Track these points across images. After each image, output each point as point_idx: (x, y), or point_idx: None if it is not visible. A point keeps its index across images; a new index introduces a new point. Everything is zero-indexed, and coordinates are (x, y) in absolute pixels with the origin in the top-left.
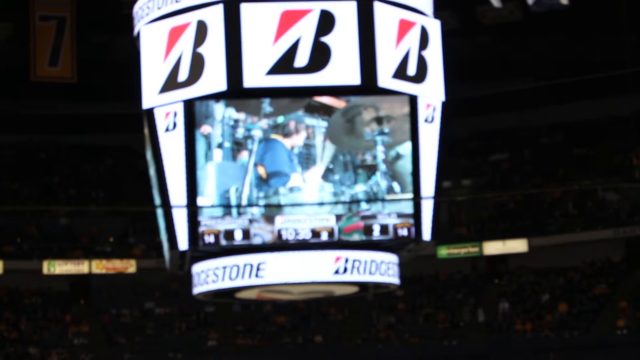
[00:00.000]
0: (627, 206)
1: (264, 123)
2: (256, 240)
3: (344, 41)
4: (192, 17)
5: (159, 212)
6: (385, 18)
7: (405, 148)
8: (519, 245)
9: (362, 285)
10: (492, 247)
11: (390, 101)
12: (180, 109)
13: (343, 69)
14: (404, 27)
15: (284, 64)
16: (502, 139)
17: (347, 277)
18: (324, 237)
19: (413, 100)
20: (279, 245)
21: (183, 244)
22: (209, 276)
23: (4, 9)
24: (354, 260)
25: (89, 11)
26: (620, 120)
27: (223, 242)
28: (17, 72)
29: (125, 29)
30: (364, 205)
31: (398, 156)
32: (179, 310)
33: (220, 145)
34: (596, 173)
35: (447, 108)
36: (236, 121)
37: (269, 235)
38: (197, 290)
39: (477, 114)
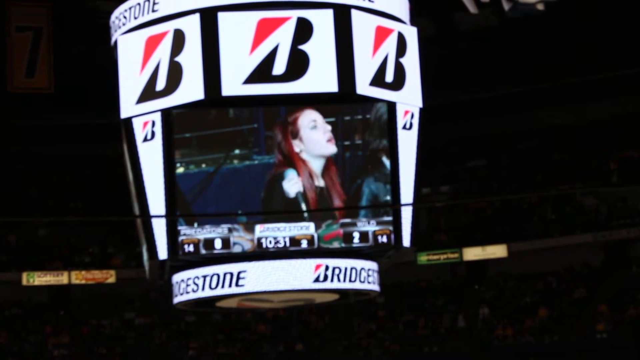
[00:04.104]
0: (605, 210)
1: None
2: (236, 249)
3: (321, 49)
4: (169, 26)
5: (138, 222)
6: (362, 25)
7: None
8: (498, 251)
9: (343, 293)
10: (472, 253)
11: None
12: (158, 118)
13: (321, 76)
14: (381, 34)
15: (262, 72)
16: (479, 145)
17: (327, 285)
18: (304, 245)
19: (391, 107)
20: (259, 253)
21: (162, 253)
22: (189, 285)
23: None
24: (334, 268)
25: (65, 21)
26: (598, 125)
27: (203, 251)
28: None
29: (103, 38)
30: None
31: None
32: (159, 320)
33: None
34: (574, 178)
35: (425, 115)
36: None
37: (249, 243)
38: (177, 299)
39: (455, 120)
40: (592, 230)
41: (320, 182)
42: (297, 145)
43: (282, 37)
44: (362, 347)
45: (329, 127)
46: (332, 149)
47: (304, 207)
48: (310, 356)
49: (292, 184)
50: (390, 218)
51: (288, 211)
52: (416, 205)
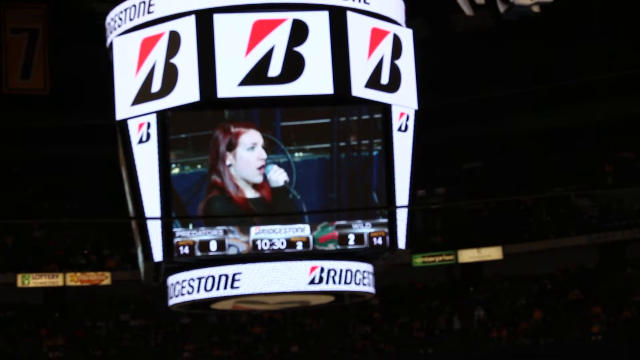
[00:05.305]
0: (600, 212)
1: None
2: (231, 251)
3: (317, 51)
4: (165, 28)
5: (134, 223)
6: (357, 27)
7: None
8: (493, 253)
9: (338, 295)
10: (467, 255)
11: None
12: (153, 120)
13: (316, 78)
14: (377, 36)
15: (257, 74)
16: (475, 147)
17: (322, 287)
18: (299, 247)
19: (386, 109)
20: (254, 255)
21: (158, 255)
22: (184, 287)
23: None
24: (329, 270)
25: (61, 23)
26: (593, 127)
27: (198, 253)
28: None
29: (98, 40)
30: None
31: None
32: (154, 322)
33: None
34: (569, 180)
35: (421, 117)
36: None
37: (244, 245)
38: (172, 301)
39: (450, 122)
40: (587, 232)
41: (251, 195)
42: (228, 158)
43: (278, 39)
44: (357, 349)
45: (264, 156)
46: (258, 177)
47: (294, 192)
48: (306, 358)
49: (279, 174)
50: (385, 220)
51: (288, 213)
52: (411, 207)
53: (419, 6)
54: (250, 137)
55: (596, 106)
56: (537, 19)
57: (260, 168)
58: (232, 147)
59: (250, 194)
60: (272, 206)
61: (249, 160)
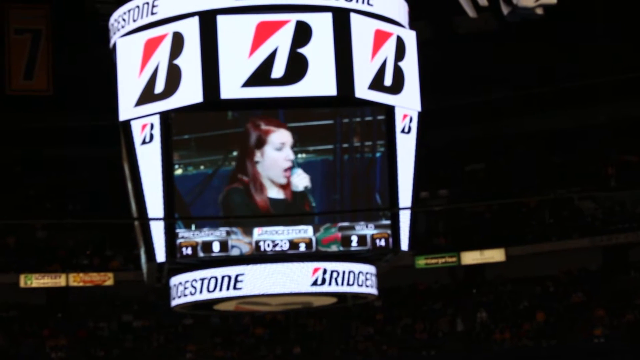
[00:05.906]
0: (603, 215)
1: None
2: (234, 252)
3: (320, 52)
4: (168, 29)
5: (137, 224)
6: (361, 29)
7: None
8: (496, 255)
9: (341, 296)
10: (470, 257)
11: None
12: (156, 121)
13: (320, 80)
14: (380, 37)
15: (261, 76)
16: (477, 149)
17: (325, 288)
18: (302, 248)
19: (390, 110)
20: (257, 256)
21: (160, 256)
22: (187, 288)
23: None
24: (332, 271)
25: (64, 24)
26: (595, 129)
27: (201, 254)
28: None
29: (102, 41)
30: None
31: None
32: (157, 323)
33: None
34: (572, 182)
35: (424, 118)
36: None
37: (247, 246)
38: (175, 302)
39: (453, 124)
40: (590, 234)
41: (274, 194)
42: (256, 156)
43: (281, 41)
44: (359, 350)
45: (292, 157)
46: (283, 179)
47: (311, 199)
48: (308, 359)
49: (302, 179)
50: (388, 222)
51: (289, 215)
52: (414, 209)
53: (423, 8)
54: (279, 136)
55: (599, 108)
56: (541, 20)
57: (286, 170)
58: (260, 144)
59: (273, 193)
60: (290, 208)
61: (276, 160)
